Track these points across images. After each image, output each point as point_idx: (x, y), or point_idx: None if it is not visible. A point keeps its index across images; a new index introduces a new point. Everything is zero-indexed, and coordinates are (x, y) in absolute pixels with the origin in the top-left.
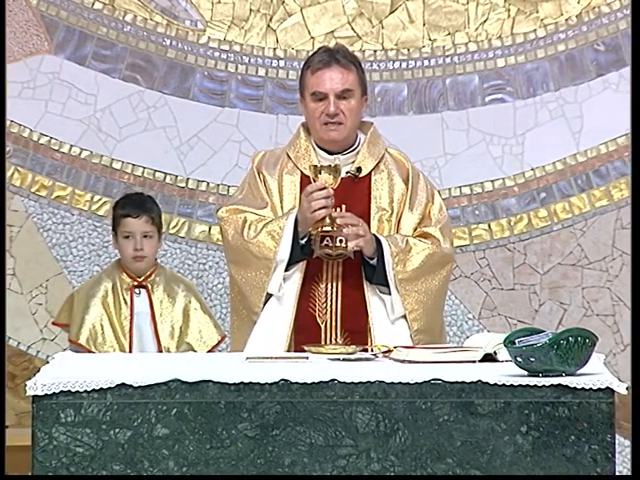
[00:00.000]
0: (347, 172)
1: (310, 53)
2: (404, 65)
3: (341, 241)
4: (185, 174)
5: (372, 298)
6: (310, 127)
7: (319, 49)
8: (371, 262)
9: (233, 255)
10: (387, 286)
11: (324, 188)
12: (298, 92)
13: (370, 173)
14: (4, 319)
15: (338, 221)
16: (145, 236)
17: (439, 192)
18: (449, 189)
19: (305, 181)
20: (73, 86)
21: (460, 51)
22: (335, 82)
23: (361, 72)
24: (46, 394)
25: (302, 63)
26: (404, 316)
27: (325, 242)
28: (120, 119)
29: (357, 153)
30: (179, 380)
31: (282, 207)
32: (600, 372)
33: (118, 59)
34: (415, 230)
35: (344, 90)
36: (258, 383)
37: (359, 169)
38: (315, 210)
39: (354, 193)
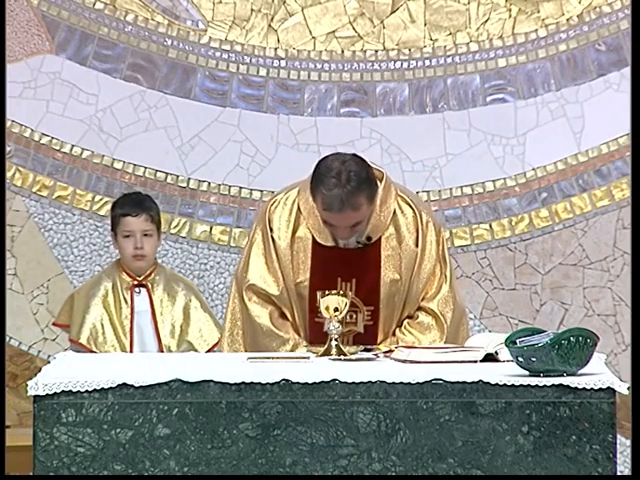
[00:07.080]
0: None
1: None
2: (405, 65)
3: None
4: (186, 174)
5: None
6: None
7: (329, 171)
8: None
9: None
10: None
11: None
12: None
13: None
14: (4, 319)
15: None
16: (145, 235)
17: (444, 229)
18: (450, 189)
19: (316, 248)
20: (74, 86)
21: (461, 51)
22: (346, 222)
23: (370, 196)
24: (47, 394)
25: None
26: None
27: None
28: (121, 119)
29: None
30: (180, 380)
31: (294, 277)
32: (601, 372)
33: (119, 59)
34: (422, 291)
35: (356, 223)
36: (259, 383)
37: (369, 238)
38: None
39: (364, 263)
